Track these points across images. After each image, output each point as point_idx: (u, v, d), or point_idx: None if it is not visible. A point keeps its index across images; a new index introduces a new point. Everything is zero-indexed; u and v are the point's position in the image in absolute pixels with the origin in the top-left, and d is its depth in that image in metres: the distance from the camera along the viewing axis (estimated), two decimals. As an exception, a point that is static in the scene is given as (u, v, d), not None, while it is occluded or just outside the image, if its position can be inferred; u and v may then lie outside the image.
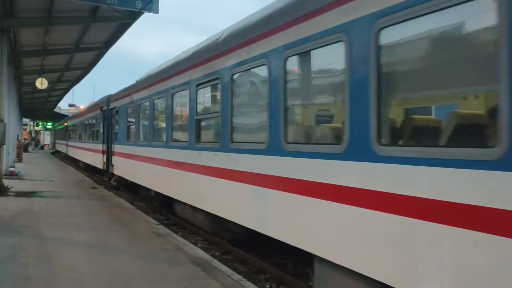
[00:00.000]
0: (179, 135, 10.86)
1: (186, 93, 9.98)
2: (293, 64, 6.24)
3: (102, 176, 22.71)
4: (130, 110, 15.47)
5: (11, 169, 22.36)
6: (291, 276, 7.60)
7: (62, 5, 15.11)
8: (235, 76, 7.79)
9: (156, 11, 12.86)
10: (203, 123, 9.48)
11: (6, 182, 16.35)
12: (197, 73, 9.36)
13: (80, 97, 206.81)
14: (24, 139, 58.74)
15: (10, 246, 8.14)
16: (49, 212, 11.89)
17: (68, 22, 16.98)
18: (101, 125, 20.83)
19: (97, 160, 22.08)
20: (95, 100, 49.92)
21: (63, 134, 48.57)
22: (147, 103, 13.10)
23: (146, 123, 13.55)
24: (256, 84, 7.46)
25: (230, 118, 7.80)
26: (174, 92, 10.79)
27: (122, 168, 16.70)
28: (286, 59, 6.18)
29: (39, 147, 71.93)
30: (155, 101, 12.47)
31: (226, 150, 7.89)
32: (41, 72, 25.98)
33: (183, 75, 10.15)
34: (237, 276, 6.99)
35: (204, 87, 9.32)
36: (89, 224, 10.41)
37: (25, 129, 72.34)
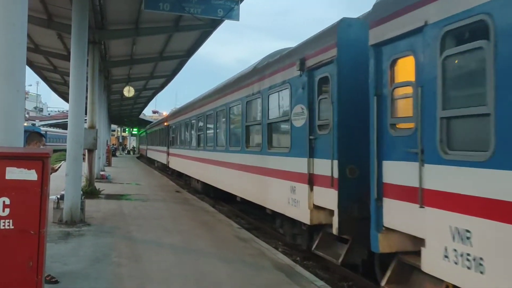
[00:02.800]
0: None
1: None
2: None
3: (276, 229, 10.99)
4: None
5: (102, 172, 23.71)
6: (374, 284, 7.36)
7: (148, 17, 15.77)
8: None
9: (237, 19, 13.02)
10: None
11: (98, 185, 17.33)
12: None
13: (162, 105, 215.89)
14: (112, 144, 62.26)
15: (104, 246, 8.60)
16: (138, 215, 12.44)
17: (153, 33, 17.65)
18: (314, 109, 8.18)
19: (280, 196, 9.33)
20: (178, 106, 50.66)
21: (158, 138, 36.31)
22: None
23: None
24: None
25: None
26: None
27: None
28: None
29: (126, 151, 75.71)
30: None
31: None
32: (128, 81, 27.26)
33: None
34: (320, 283, 6.90)
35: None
36: (175, 227, 10.74)
37: (113, 135, 76.63)
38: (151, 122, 59.71)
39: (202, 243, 9.12)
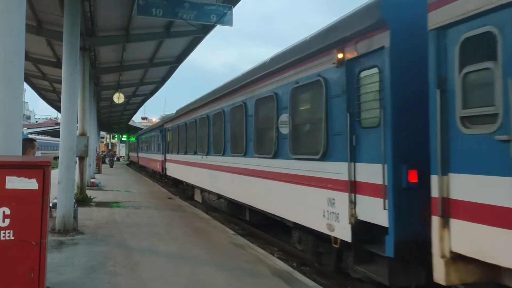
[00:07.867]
0: None
1: None
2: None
3: None
4: None
5: (92, 180, 23.48)
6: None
7: (138, 23, 15.68)
8: None
9: (230, 24, 12.97)
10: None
11: (89, 192, 17.14)
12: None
13: (151, 111, 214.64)
14: (102, 151, 61.70)
15: (99, 255, 8.47)
16: (131, 222, 12.30)
17: (144, 39, 17.54)
18: None
19: None
20: (167, 113, 49.68)
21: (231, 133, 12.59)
22: None
23: None
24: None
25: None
26: None
27: None
28: None
29: (116, 158, 74.74)
30: None
31: None
32: (118, 87, 27.04)
33: None
34: (320, 289, 6.87)
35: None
36: (169, 234, 10.64)
37: (102, 142, 75.93)
38: (141, 128, 59.17)
39: (198, 250, 9.02)
